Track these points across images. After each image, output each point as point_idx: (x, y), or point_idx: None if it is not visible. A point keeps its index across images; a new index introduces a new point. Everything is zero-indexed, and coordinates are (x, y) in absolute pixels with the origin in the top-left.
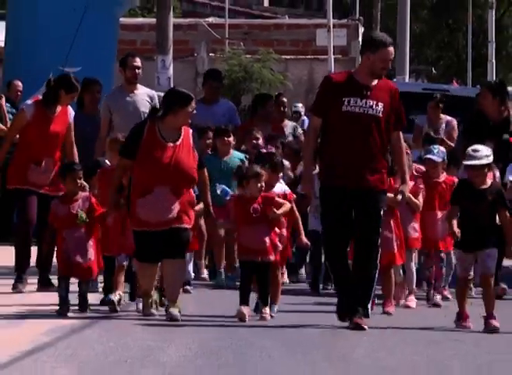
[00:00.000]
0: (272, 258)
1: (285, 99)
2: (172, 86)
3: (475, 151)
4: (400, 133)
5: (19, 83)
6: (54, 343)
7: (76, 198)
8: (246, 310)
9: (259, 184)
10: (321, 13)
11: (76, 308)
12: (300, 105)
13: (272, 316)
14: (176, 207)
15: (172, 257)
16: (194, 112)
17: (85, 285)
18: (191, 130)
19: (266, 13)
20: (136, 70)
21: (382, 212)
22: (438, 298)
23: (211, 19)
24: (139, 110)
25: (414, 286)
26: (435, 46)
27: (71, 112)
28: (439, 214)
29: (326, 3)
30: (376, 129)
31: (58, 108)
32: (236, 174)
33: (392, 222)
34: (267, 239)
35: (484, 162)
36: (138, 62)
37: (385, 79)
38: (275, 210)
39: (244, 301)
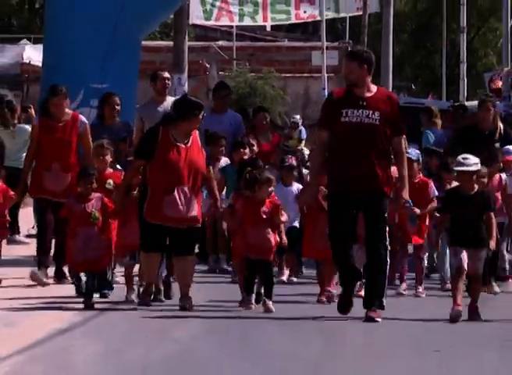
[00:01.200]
0: (272, 257)
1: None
2: None
3: (465, 158)
4: (402, 139)
5: None
6: (84, 323)
7: (90, 198)
8: (251, 303)
9: (270, 189)
10: (316, 37)
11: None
12: (297, 116)
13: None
14: (195, 206)
15: (185, 254)
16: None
17: (98, 278)
18: (197, 132)
19: (268, 37)
20: (166, 81)
21: (385, 214)
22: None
23: (220, 43)
24: None
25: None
26: (414, 65)
27: (82, 120)
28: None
29: (320, 28)
30: (374, 136)
31: (66, 117)
32: (248, 178)
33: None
34: (272, 239)
35: (473, 168)
36: (167, 74)
37: (382, 89)
38: (281, 217)
39: (249, 295)
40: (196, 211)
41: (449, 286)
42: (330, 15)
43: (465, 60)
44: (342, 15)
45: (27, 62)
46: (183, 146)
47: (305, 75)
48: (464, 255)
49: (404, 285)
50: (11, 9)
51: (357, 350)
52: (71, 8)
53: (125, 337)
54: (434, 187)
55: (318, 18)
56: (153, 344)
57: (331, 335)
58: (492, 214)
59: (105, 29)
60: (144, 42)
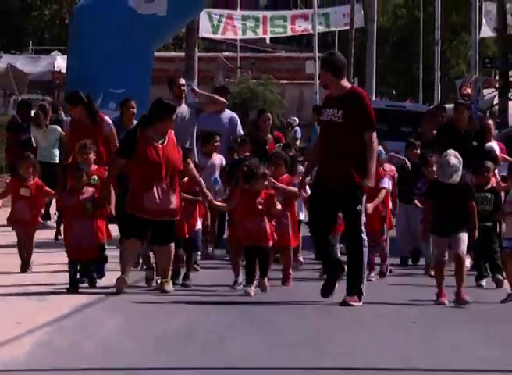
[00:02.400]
0: (271, 243)
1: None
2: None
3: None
4: (372, 134)
5: None
6: (103, 300)
7: (83, 191)
8: (252, 288)
9: (265, 183)
10: (309, 49)
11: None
12: (294, 117)
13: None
14: (174, 200)
15: (164, 244)
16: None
17: (92, 265)
18: (173, 132)
19: (268, 48)
20: (182, 87)
21: (359, 203)
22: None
23: (226, 53)
24: (184, 120)
25: None
26: (395, 74)
27: (107, 121)
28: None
29: (313, 41)
30: (340, 133)
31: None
32: (246, 172)
33: (288, 211)
34: (267, 227)
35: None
36: (183, 81)
37: (353, 88)
38: (277, 207)
39: (251, 281)
40: (174, 204)
41: (433, 272)
42: (321, 29)
43: (439, 69)
44: (332, 29)
45: (58, 70)
46: (160, 145)
47: (300, 82)
48: (445, 245)
49: (373, 273)
50: (44, 25)
51: (348, 323)
52: (93, 24)
53: (139, 310)
54: (387, 180)
55: (311, 32)
56: (168, 317)
57: (325, 312)
58: (473, 202)
59: (122, 42)
60: (160, 53)
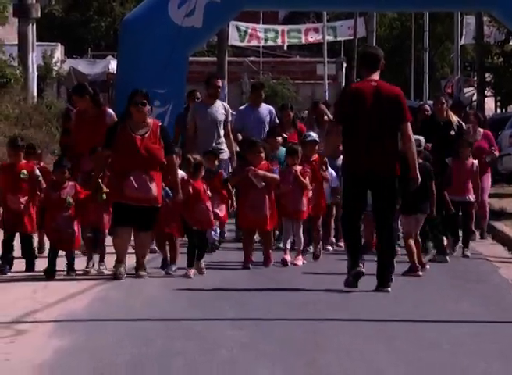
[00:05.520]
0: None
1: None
2: (225, 99)
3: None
4: (408, 125)
5: None
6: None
7: (64, 185)
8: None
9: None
10: (320, 54)
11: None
12: (306, 111)
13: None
14: (153, 188)
15: (143, 230)
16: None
17: (71, 255)
18: (160, 124)
19: (285, 54)
20: (218, 89)
21: (397, 195)
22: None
23: (251, 58)
24: (216, 118)
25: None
26: (390, 75)
27: (109, 112)
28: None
29: (323, 48)
30: (378, 124)
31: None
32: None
33: (268, 196)
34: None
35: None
36: (219, 83)
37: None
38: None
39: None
40: (153, 192)
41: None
42: (330, 39)
43: (427, 71)
44: (338, 38)
45: (112, 72)
46: (139, 137)
47: (312, 82)
48: (410, 223)
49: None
50: (101, 34)
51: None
52: (139, 35)
53: (148, 288)
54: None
55: (322, 41)
56: (202, 278)
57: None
58: (432, 183)
59: (165, 51)
60: (195, 58)
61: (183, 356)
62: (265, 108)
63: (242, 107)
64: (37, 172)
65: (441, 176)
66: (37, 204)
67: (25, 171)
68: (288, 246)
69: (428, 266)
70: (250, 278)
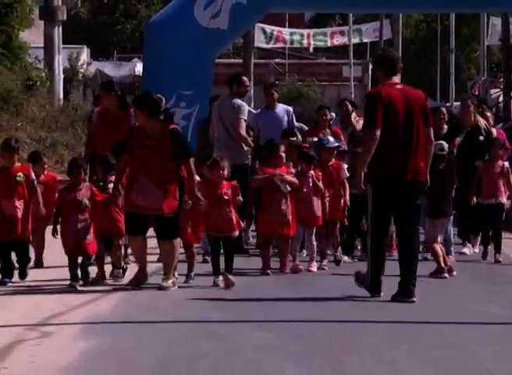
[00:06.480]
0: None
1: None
2: (252, 101)
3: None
4: (431, 130)
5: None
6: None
7: (79, 187)
8: (221, 279)
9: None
10: (346, 56)
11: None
12: (332, 113)
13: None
14: (161, 197)
15: (162, 239)
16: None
17: (87, 261)
18: (172, 127)
19: (311, 56)
20: (247, 88)
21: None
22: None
23: (277, 60)
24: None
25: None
26: (416, 76)
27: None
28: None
29: (349, 50)
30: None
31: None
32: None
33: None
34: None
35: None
36: (247, 82)
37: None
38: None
39: (218, 271)
40: (162, 200)
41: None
42: (355, 41)
43: (453, 72)
44: (364, 40)
45: (138, 74)
46: (150, 143)
47: (338, 83)
48: (437, 227)
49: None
50: (126, 37)
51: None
52: (165, 37)
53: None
54: (345, 170)
55: (347, 43)
56: (205, 294)
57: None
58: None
59: (191, 53)
60: (222, 60)
61: (208, 358)
62: (282, 109)
63: (257, 111)
64: (33, 175)
65: (469, 181)
66: (31, 210)
67: (21, 174)
68: (298, 253)
69: (455, 272)
70: (273, 282)
